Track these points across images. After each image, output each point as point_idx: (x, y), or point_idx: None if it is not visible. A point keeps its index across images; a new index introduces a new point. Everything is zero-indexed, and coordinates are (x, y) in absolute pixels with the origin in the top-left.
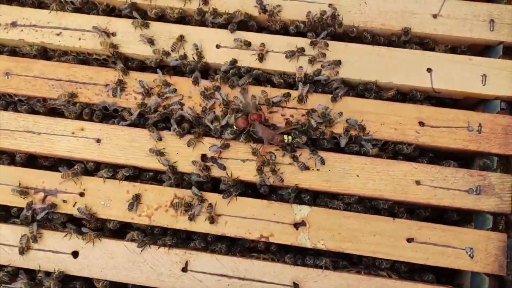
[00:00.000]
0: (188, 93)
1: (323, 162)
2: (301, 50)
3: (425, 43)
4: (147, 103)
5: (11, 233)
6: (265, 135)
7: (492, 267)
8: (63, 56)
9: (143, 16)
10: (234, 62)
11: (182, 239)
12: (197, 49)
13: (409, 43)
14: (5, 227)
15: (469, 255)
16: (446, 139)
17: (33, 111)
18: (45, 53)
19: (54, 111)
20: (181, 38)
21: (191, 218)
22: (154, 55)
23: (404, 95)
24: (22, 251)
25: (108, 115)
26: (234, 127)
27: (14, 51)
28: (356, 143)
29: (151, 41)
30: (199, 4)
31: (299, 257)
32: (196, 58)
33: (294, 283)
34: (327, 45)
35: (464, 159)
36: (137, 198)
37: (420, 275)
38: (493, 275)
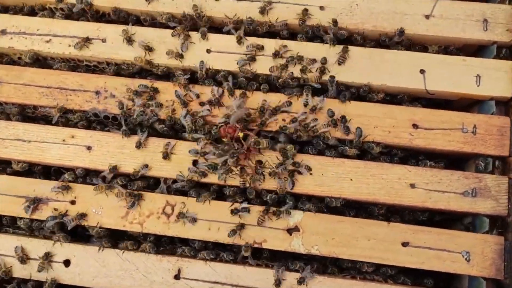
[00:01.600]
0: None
1: (309, 168)
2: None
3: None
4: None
5: (3, 242)
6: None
7: (489, 270)
8: (62, 63)
9: (136, 22)
10: (252, 58)
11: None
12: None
13: (401, 45)
14: None
15: (466, 259)
16: (441, 141)
17: (24, 119)
18: (41, 60)
19: (45, 118)
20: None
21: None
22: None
23: (393, 97)
24: (23, 260)
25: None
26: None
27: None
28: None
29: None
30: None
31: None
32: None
33: None
34: (285, 46)
35: (448, 159)
36: (139, 197)
37: (420, 279)
38: (490, 278)
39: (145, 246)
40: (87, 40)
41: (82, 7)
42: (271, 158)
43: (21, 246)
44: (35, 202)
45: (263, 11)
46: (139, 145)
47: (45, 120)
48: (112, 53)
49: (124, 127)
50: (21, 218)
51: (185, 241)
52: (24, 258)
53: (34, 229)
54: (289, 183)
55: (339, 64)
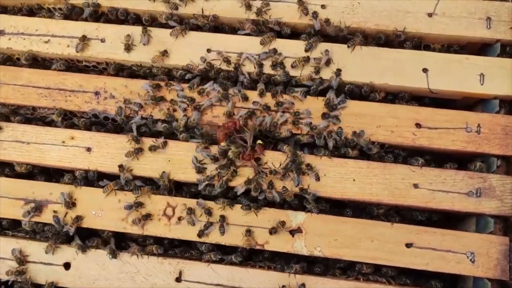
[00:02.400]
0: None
1: (318, 178)
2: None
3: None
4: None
5: (2, 245)
6: None
7: (494, 271)
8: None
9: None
10: (274, 51)
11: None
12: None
13: (405, 43)
14: None
15: (470, 260)
16: (444, 141)
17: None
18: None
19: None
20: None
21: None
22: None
23: (395, 96)
24: (22, 262)
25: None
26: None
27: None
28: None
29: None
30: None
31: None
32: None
33: None
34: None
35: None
36: (138, 205)
37: (421, 280)
38: (495, 280)
39: (151, 248)
40: (84, 39)
41: (91, 10)
42: (272, 158)
43: (20, 248)
44: (37, 210)
45: (259, 12)
46: (155, 149)
47: (44, 121)
48: (111, 53)
49: (135, 134)
50: (28, 221)
51: (186, 243)
52: (22, 260)
53: (37, 231)
54: (295, 179)
55: (348, 47)
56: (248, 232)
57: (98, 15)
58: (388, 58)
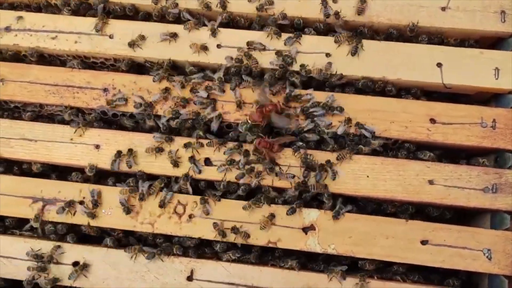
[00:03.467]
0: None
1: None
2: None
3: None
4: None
5: (9, 244)
6: (284, 123)
7: (511, 268)
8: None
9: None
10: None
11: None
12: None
13: (417, 38)
14: (3, 238)
15: (487, 257)
16: (459, 136)
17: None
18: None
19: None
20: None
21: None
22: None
23: (407, 91)
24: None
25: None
26: (249, 121)
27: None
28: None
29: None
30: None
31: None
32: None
33: None
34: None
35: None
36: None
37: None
38: None
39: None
40: (104, 19)
41: (102, 6)
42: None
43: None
44: (70, 205)
45: (261, 9)
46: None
47: (52, 118)
48: (119, 50)
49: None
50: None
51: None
52: (40, 255)
53: (46, 232)
54: (317, 175)
55: (352, 55)
56: (272, 216)
57: (106, 11)
58: (401, 52)
